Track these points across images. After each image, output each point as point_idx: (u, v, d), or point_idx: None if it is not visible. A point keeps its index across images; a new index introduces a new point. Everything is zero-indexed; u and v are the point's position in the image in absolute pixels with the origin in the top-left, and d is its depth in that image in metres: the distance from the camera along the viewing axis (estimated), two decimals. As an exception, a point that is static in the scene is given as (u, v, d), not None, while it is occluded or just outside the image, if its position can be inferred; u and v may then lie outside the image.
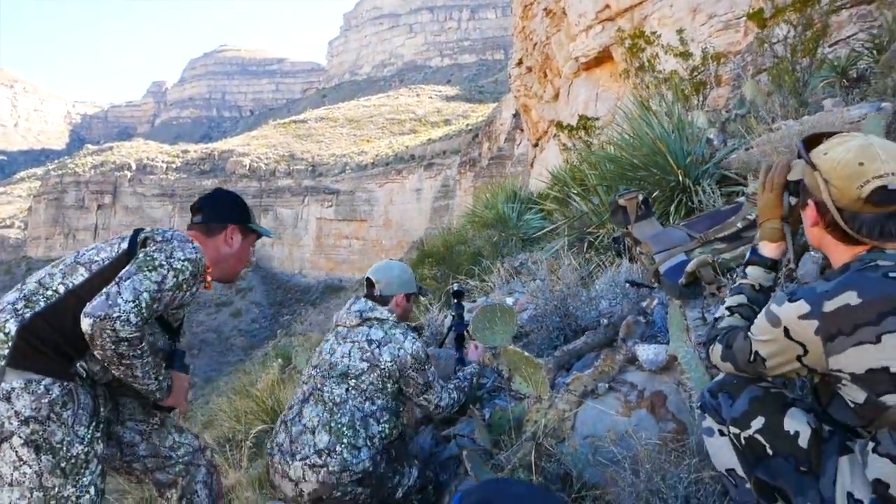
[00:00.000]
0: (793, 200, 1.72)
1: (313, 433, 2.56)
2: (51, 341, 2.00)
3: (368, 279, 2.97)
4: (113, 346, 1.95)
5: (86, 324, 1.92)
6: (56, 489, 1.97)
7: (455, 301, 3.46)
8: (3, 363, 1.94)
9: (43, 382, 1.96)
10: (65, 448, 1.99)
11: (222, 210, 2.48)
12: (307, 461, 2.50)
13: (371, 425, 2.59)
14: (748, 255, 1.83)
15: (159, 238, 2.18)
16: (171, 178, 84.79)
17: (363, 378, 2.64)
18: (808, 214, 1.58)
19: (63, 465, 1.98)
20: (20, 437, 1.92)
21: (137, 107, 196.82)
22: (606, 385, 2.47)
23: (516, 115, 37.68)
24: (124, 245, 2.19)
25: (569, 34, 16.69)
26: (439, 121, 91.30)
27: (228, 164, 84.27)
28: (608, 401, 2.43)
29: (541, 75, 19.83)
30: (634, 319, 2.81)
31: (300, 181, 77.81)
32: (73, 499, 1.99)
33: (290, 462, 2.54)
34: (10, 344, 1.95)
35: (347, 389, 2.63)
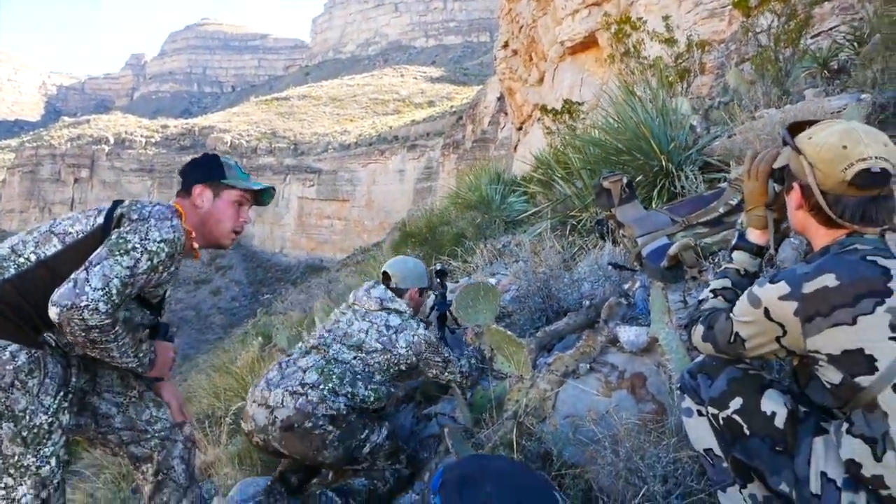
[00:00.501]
0: (777, 188, 1.75)
1: (304, 372, 2.70)
2: (18, 309, 1.96)
3: (385, 273, 3.13)
4: (83, 334, 1.90)
5: (52, 312, 1.88)
6: (16, 457, 1.93)
7: (438, 281, 3.47)
8: None
9: (9, 349, 1.93)
10: (27, 417, 1.95)
11: (191, 171, 2.37)
12: (289, 388, 2.63)
13: (358, 385, 2.69)
14: (734, 240, 1.86)
15: (135, 216, 2.08)
16: (150, 153, 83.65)
17: (373, 355, 2.79)
18: (793, 198, 1.60)
19: (24, 433, 1.94)
20: None
21: (116, 79, 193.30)
22: (588, 366, 2.50)
23: (501, 98, 37.60)
24: (100, 219, 2.10)
25: (555, 18, 16.65)
26: (423, 102, 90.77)
27: (209, 140, 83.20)
28: (589, 381, 2.46)
29: (526, 58, 19.78)
30: (616, 301, 2.83)
31: (282, 160, 77.16)
32: (34, 468, 1.95)
33: (273, 390, 2.66)
34: None
35: (355, 357, 2.77)
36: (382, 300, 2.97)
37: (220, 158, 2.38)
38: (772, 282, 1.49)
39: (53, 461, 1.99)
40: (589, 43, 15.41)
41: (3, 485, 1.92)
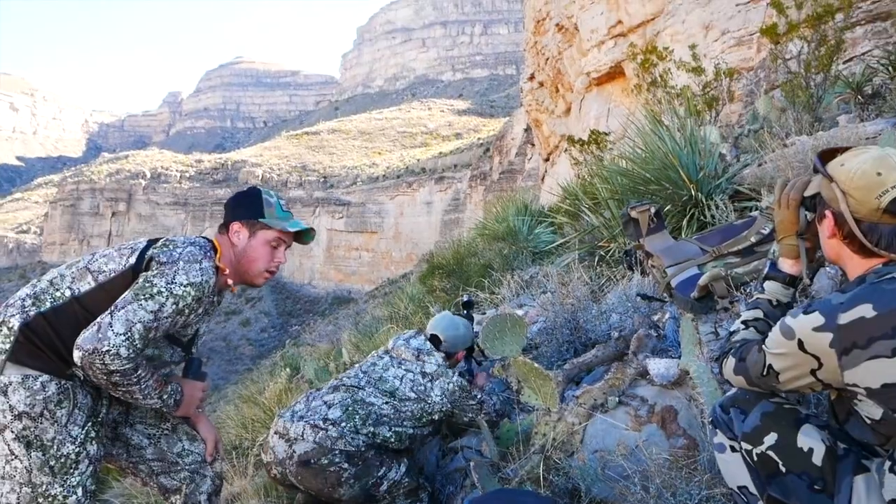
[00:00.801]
0: (809, 216, 1.70)
1: (329, 407, 2.70)
2: (49, 343, 1.98)
3: (434, 335, 3.11)
4: (105, 377, 1.93)
5: (76, 355, 1.90)
6: (44, 487, 1.96)
7: (465, 311, 3.44)
8: (3, 357, 1.95)
9: (40, 379, 1.96)
10: (55, 447, 1.98)
11: (232, 207, 2.34)
12: (311, 422, 2.63)
13: (382, 427, 2.67)
14: (766, 270, 1.81)
15: (164, 259, 2.07)
16: (184, 187, 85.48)
17: (406, 404, 2.77)
18: (826, 226, 1.56)
19: (52, 463, 1.97)
20: (12, 432, 1.93)
21: (153, 116, 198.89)
22: (616, 399, 2.44)
23: (527, 130, 37.75)
24: (132, 259, 2.11)
25: (580, 49, 16.73)
26: (450, 134, 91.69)
27: (241, 174, 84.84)
28: (618, 415, 2.40)
29: (552, 90, 19.87)
30: (645, 333, 2.78)
31: (311, 192, 78.22)
32: (60, 498, 1.98)
33: (295, 422, 2.66)
34: (11, 339, 1.95)
35: (386, 402, 2.75)
36: (420, 351, 2.97)
37: (261, 195, 2.32)
38: (805, 312, 1.44)
39: (80, 491, 2.01)
40: (615, 73, 15.43)
41: None
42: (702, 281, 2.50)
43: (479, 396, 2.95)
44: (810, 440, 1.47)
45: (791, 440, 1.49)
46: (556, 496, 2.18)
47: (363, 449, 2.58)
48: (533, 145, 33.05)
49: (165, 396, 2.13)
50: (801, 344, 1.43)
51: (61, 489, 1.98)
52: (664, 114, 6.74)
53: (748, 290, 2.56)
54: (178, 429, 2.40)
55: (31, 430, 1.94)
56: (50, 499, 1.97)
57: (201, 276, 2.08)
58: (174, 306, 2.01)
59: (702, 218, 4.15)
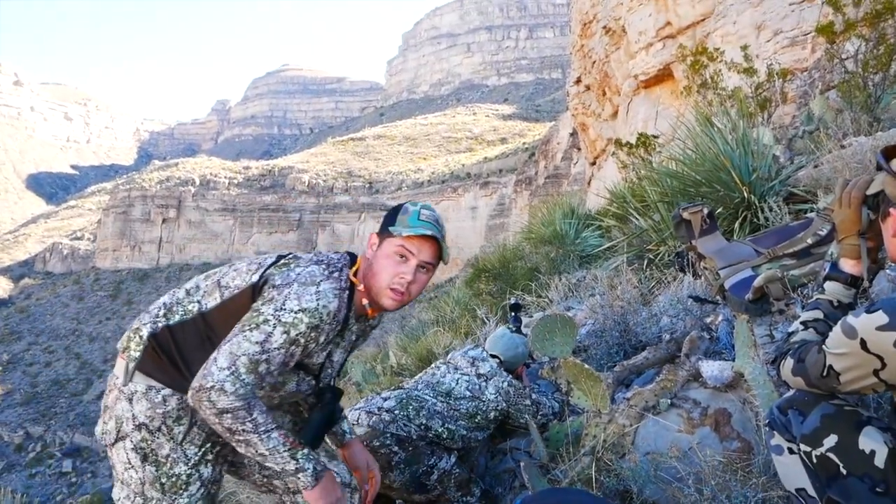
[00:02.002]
0: (872, 215, 1.67)
1: (385, 399, 2.77)
2: (171, 358, 1.91)
3: (494, 355, 3.13)
4: (216, 419, 1.76)
5: (188, 396, 1.80)
6: (154, 502, 1.91)
7: (513, 314, 3.46)
8: (133, 365, 1.91)
9: (162, 392, 1.90)
10: (168, 464, 1.91)
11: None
12: (366, 409, 2.70)
13: (434, 421, 2.71)
14: (827, 270, 1.77)
15: (278, 280, 1.89)
16: (232, 194, 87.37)
17: (461, 402, 2.82)
18: (890, 224, 1.53)
19: (163, 480, 1.91)
20: (131, 442, 1.90)
21: (202, 124, 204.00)
22: (668, 401, 2.42)
23: (573, 134, 37.51)
24: (255, 277, 1.94)
25: (628, 52, 16.57)
26: (496, 139, 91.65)
27: (288, 180, 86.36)
28: (670, 417, 2.38)
29: (599, 93, 19.72)
30: (698, 335, 2.74)
31: (357, 198, 79.13)
32: None
33: (352, 411, 2.73)
34: (141, 348, 1.91)
35: (442, 402, 2.80)
36: (475, 359, 3.04)
37: (405, 205, 2.06)
38: (868, 311, 1.41)
39: None
40: (663, 76, 15.25)
41: None
42: (757, 282, 2.45)
43: (534, 397, 2.98)
44: (872, 442, 1.44)
45: (852, 442, 1.46)
46: (607, 497, 2.17)
47: (414, 437, 2.63)
48: (579, 149, 32.82)
49: (300, 457, 1.85)
50: (863, 343, 1.41)
51: None
52: (715, 116, 6.64)
53: (804, 293, 2.51)
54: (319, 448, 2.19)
55: (148, 442, 1.90)
56: None
57: (317, 300, 1.85)
58: (284, 335, 1.81)
59: (755, 220, 4.08)
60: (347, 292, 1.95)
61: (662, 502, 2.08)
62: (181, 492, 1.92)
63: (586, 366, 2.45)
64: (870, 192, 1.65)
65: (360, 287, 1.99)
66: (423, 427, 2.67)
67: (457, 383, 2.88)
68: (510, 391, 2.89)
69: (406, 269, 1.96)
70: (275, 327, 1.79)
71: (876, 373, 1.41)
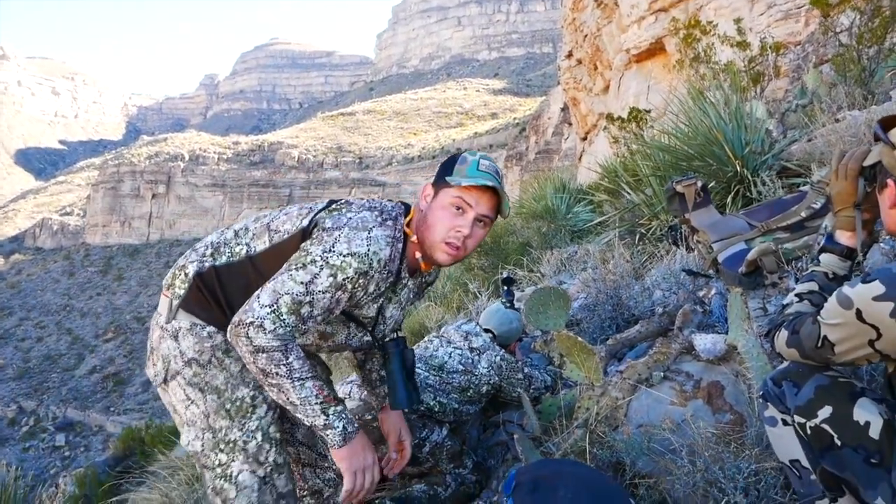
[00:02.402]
0: (868, 187, 1.66)
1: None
2: (216, 298, 1.87)
3: (488, 330, 3.12)
4: (251, 357, 1.72)
5: (228, 332, 1.76)
6: (223, 432, 1.86)
7: (505, 288, 3.45)
8: (178, 302, 1.88)
9: (207, 328, 1.87)
10: (229, 389, 1.87)
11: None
12: (357, 382, 2.67)
13: (426, 395, 2.69)
14: (822, 242, 1.77)
15: (329, 224, 1.80)
16: (222, 169, 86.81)
17: (454, 376, 2.79)
18: (887, 196, 1.51)
19: (228, 406, 1.86)
20: (184, 378, 1.87)
21: (191, 99, 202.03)
22: (661, 374, 2.43)
23: (564, 109, 37.33)
24: (305, 221, 1.86)
25: (620, 25, 16.44)
26: (486, 114, 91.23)
27: (277, 155, 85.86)
28: (663, 390, 2.38)
29: (591, 67, 19.59)
30: (691, 308, 2.75)
31: (347, 173, 78.79)
32: (241, 444, 1.87)
33: (343, 385, 2.73)
34: (186, 286, 1.88)
35: (433, 375, 2.78)
36: (468, 333, 3.02)
37: (462, 154, 1.94)
38: (864, 281, 1.40)
39: (260, 436, 1.88)
40: (655, 50, 15.16)
41: (217, 461, 1.88)
42: (750, 255, 2.45)
43: (526, 371, 2.97)
44: (867, 413, 1.44)
45: (847, 413, 1.46)
46: (600, 469, 2.18)
47: (405, 410, 2.62)
48: (570, 124, 32.70)
49: (332, 413, 1.80)
50: (859, 314, 1.40)
51: (240, 433, 1.87)
52: (708, 89, 6.60)
53: (798, 266, 2.51)
54: None
55: (202, 376, 1.86)
56: (231, 444, 1.86)
57: (367, 246, 1.76)
58: (330, 279, 1.73)
59: (747, 194, 4.07)
60: (401, 243, 1.86)
61: (655, 474, 2.09)
62: (249, 415, 1.87)
63: (579, 339, 2.44)
64: (867, 163, 1.64)
65: (413, 239, 1.89)
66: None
67: (449, 357, 2.87)
68: (503, 365, 2.89)
69: (463, 222, 1.84)
70: (321, 269, 1.72)
71: (871, 343, 1.41)
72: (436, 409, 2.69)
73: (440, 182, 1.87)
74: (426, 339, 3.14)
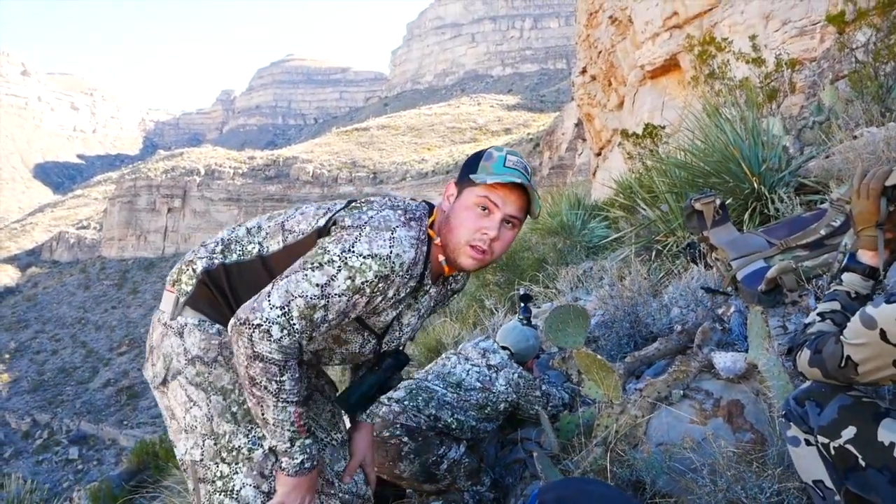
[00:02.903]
0: (891, 206, 1.66)
1: (395, 391, 2.69)
2: (225, 295, 1.76)
3: (504, 347, 3.12)
4: (245, 361, 1.58)
5: (229, 324, 1.63)
6: (227, 437, 1.71)
7: (522, 305, 3.46)
8: (184, 299, 1.77)
9: (215, 325, 1.75)
10: (237, 391, 1.72)
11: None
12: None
13: (444, 412, 2.70)
14: (845, 261, 1.76)
15: (349, 222, 1.66)
16: (237, 184, 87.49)
17: (471, 393, 2.80)
18: (909, 215, 1.52)
19: (234, 409, 1.72)
20: (186, 378, 1.73)
21: (207, 114, 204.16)
22: (681, 392, 2.42)
23: (578, 125, 37.38)
24: (321, 221, 1.72)
25: (635, 42, 16.48)
26: (500, 130, 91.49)
27: (292, 170, 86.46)
28: (682, 408, 2.38)
29: (605, 84, 19.62)
30: (710, 326, 2.74)
31: (361, 188, 79.11)
32: (245, 451, 1.71)
33: None
34: (193, 282, 1.77)
35: (451, 392, 2.78)
36: (486, 350, 3.03)
37: (488, 150, 1.77)
38: (888, 301, 1.40)
39: (267, 444, 1.72)
40: (670, 66, 15.16)
41: (218, 473, 1.71)
42: (770, 273, 2.45)
43: (544, 388, 2.98)
44: (891, 434, 1.44)
45: (871, 434, 1.46)
46: (620, 488, 2.18)
47: (424, 428, 2.62)
48: (584, 140, 32.73)
49: (298, 445, 1.67)
50: (882, 334, 1.40)
51: (246, 440, 1.72)
52: (723, 106, 6.60)
53: (818, 284, 2.50)
54: (347, 447, 2.00)
55: (205, 376, 1.72)
56: (234, 453, 1.71)
57: (390, 247, 1.60)
58: (348, 282, 1.58)
59: (765, 212, 4.07)
60: (425, 245, 1.70)
61: (676, 493, 2.08)
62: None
63: (598, 356, 2.45)
64: (889, 182, 1.64)
65: (437, 241, 1.73)
66: (432, 418, 2.67)
67: (467, 374, 2.87)
68: (520, 382, 2.89)
69: (489, 224, 1.68)
70: (339, 270, 1.57)
71: (895, 363, 1.41)
72: (453, 427, 2.70)
73: (464, 180, 1.72)
74: (444, 356, 3.15)
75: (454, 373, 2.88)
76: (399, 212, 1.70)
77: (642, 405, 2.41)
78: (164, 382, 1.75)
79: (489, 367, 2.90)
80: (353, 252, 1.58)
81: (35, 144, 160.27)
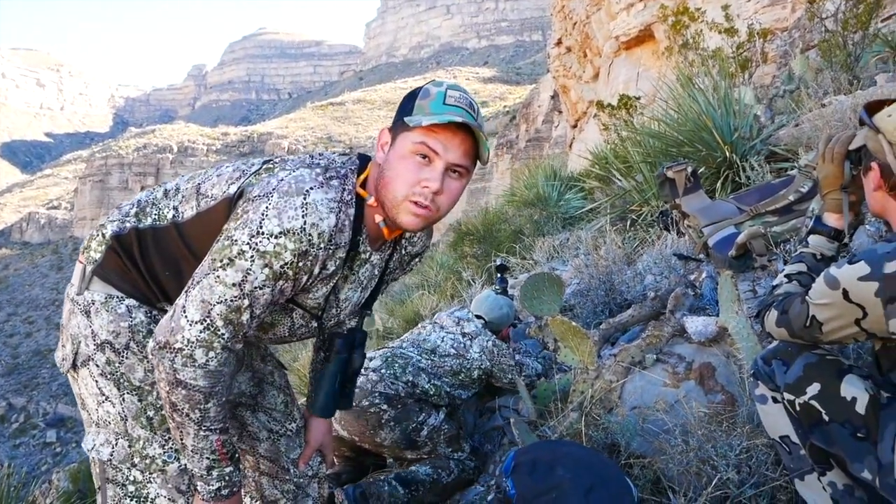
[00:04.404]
0: (854, 170, 1.70)
1: (371, 360, 2.74)
2: (135, 262, 1.54)
3: (479, 316, 3.13)
4: (167, 387, 1.40)
5: (149, 345, 1.43)
6: (141, 443, 1.52)
7: (499, 275, 3.49)
8: (91, 267, 1.55)
9: (125, 302, 1.53)
10: (154, 393, 1.52)
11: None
12: None
13: (421, 378, 2.73)
14: (811, 224, 1.81)
15: (256, 192, 1.41)
16: (211, 160, 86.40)
17: (446, 359, 2.83)
18: (871, 178, 1.56)
19: (150, 413, 1.52)
20: (97, 366, 1.52)
21: (178, 90, 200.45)
22: (654, 356, 2.47)
23: (554, 97, 37.30)
24: (233, 188, 1.49)
25: (609, 13, 16.45)
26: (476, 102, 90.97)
27: (267, 146, 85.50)
28: (656, 372, 2.43)
29: (580, 55, 19.59)
30: (683, 292, 2.79)
31: (337, 163, 78.52)
32: (160, 462, 1.53)
33: None
34: (102, 248, 1.55)
35: (427, 359, 2.81)
36: (461, 319, 3.05)
37: (426, 86, 1.48)
38: (850, 262, 1.45)
39: (183, 462, 1.53)
40: (644, 37, 15.18)
41: (130, 477, 1.54)
42: (740, 239, 2.50)
43: (517, 358, 3.02)
44: (854, 389, 1.49)
45: (834, 390, 1.51)
46: (595, 450, 2.23)
47: (402, 395, 2.65)
48: (560, 112, 32.72)
49: (216, 472, 1.49)
50: (845, 294, 1.44)
51: (161, 451, 1.54)
52: (696, 76, 6.64)
53: (787, 248, 2.56)
54: (302, 433, 1.91)
55: (116, 366, 1.51)
56: (147, 460, 1.53)
57: (303, 217, 1.36)
58: (266, 270, 1.36)
59: (736, 179, 4.12)
60: (352, 208, 1.46)
61: (649, 454, 2.13)
62: None
63: (573, 323, 2.49)
64: (852, 147, 1.68)
65: (371, 201, 1.49)
66: (409, 384, 2.70)
67: (442, 341, 2.90)
68: (494, 350, 2.92)
69: (430, 175, 1.41)
70: (252, 260, 1.34)
71: (857, 322, 1.45)
72: (431, 392, 2.73)
73: (398, 125, 1.45)
74: (419, 325, 3.18)
75: (429, 340, 2.91)
76: (317, 171, 1.45)
77: (617, 370, 2.46)
78: (74, 367, 1.56)
79: (463, 334, 2.93)
80: (263, 233, 1.34)
81: (1, 123, 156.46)
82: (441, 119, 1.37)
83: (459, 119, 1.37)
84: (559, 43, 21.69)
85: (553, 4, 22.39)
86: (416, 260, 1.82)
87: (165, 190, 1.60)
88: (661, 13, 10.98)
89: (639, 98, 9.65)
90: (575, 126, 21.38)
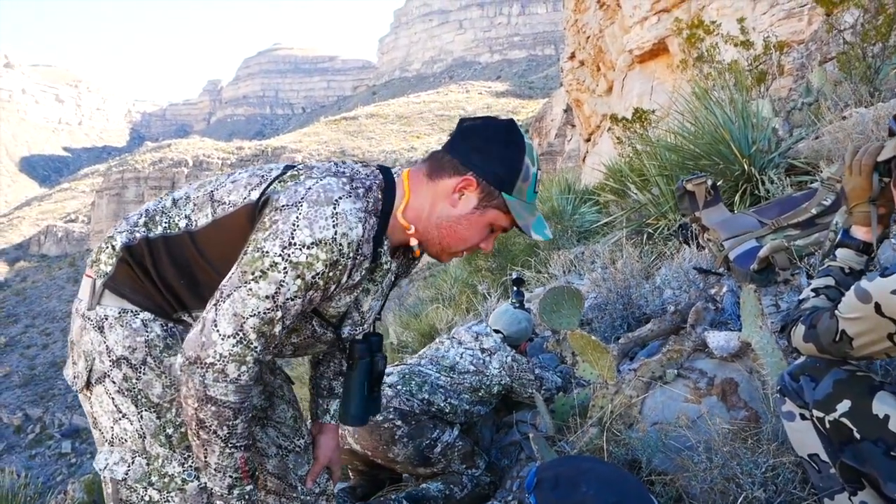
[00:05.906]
0: (883, 182, 1.67)
1: (387, 375, 2.71)
2: (148, 274, 1.51)
3: (496, 331, 3.11)
4: (195, 403, 1.39)
5: (178, 360, 1.42)
6: (160, 461, 1.49)
7: (515, 289, 3.47)
8: (102, 281, 1.52)
9: (140, 316, 1.50)
10: (173, 409, 1.49)
11: (469, 144, 1.53)
12: None
13: (437, 396, 2.71)
14: (839, 237, 1.78)
15: (283, 201, 1.39)
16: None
17: (465, 376, 2.80)
18: (902, 190, 1.53)
19: (169, 430, 1.50)
20: (113, 383, 1.49)
21: (194, 105, 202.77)
22: (675, 371, 2.43)
23: (567, 111, 37.34)
24: (254, 194, 1.46)
25: (623, 26, 16.46)
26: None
27: (281, 160, 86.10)
28: (677, 387, 2.39)
29: (594, 69, 19.61)
30: (703, 306, 2.75)
31: (351, 177, 78.95)
32: (179, 481, 1.50)
33: None
34: (113, 261, 1.52)
35: (444, 375, 2.79)
36: (479, 334, 3.03)
37: (524, 158, 1.54)
38: (883, 275, 1.41)
39: (203, 480, 1.51)
40: (658, 50, 15.17)
41: (146, 497, 1.49)
42: (762, 253, 2.46)
43: (537, 372, 2.99)
44: (886, 407, 1.45)
45: (866, 407, 1.47)
46: (616, 466, 2.19)
47: (417, 411, 2.63)
48: (573, 126, 32.73)
49: (237, 491, 1.48)
50: (877, 308, 1.41)
51: (180, 469, 1.50)
52: (712, 89, 6.61)
53: (810, 262, 2.52)
54: (310, 450, 1.88)
55: (134, 382, 1.47)
56: (166, 479, 1.50)
57: (334, 226, 1.36)
58: (299, 281, 1.36)
59: (755, 193, 4.08)
60: (375, 217, 1.46)
61: (671, 471, 2.09)
62: None
63: (593, 337, 2.45)
64: (881, 158, 1.65)
65: (411, 231, 1.52)
66: (425, 402, 2.68)
67: (461, 357, 2.88)
68: (514, 366, 2.90)
69: (489, 243, 1.58)
70: (286, 272, 1.34)
71: (890, 336, 1.42)
72: (446, 411, 2.70)
73: (494, 193, 1.50)
74: (437, 340, 3.15)
75: (447, 356, 2.89)
76: (343, 179, 1.44)
77: (637, 385, 2.42)
78: (88, 385, 1.52)
79: (482, 350, 2.91)
80: (295, 244, 1.34)
81: (20, 137, 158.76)
82: (535, 218, 1.54)
83: (548, 234, 1.57)
84: (572, 57, 21.73)
85: (566, 19, 22.45)
86: (416, 263, 1.82)
87: (174, 199, 1.58)
88: (675, 26, 10.97)
89: (653, 111, 9.63)
90: (588, 140, 21.37)
